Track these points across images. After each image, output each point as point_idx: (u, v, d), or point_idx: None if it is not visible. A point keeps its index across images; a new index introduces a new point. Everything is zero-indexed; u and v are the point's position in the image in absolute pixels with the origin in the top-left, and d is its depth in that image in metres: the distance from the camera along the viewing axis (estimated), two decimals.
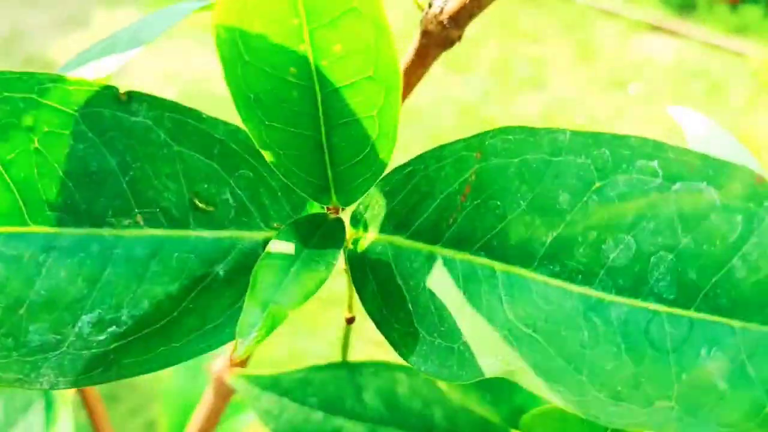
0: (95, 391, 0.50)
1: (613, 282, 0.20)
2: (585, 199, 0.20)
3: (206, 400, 0.43)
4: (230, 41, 0.20)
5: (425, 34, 0.29)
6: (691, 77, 2.15)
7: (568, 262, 0.21)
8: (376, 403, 0.34)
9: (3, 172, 0.21)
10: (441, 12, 0.28)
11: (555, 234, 0.21)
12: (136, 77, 2.11)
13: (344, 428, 0.34)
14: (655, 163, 0.19)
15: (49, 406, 0.44)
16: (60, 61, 2.18)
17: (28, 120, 0.21)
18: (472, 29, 0.29)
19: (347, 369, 0.33)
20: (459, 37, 0.28)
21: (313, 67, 0.21)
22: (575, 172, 0.21)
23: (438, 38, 0.28)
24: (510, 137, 0.22)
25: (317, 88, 0.21)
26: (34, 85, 0.21)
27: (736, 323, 0.18)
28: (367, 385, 0.33)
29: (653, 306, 0.19)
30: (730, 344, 0.18)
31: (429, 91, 1.97)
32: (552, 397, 0.20)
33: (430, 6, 0.28)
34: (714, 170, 0.19)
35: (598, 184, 0.20)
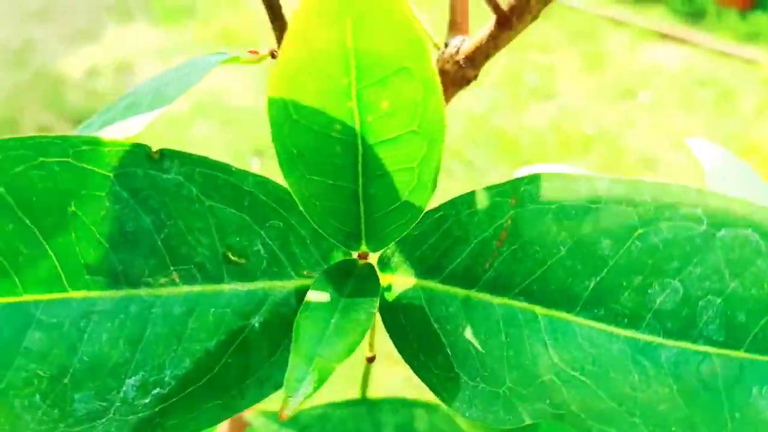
0: None
1: (661, 325, 0.21)
2: (628, 245, 0.21)
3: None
4: (280, 103, 0.20)
5: (442, 73, 0.29)
6: (700, 85, 2.14)
7: (613, 306, 0.21)
8: None
9: (41, 239, 0.21)
10: (457, 52, 0.28)
11: (598, 279, 0.22)
12: None
13: None
14: (699, 210, 0.20)
15: None
16: (71, 75, 2.14)
17: (64, 184, 0.21)
18: None
19: (366, 406, 0.33)
20: (475, 77, 0.29)
21: (357, 123, 0.21)
22: (616, 219, 0.21)
23: (454, 77, 0.29)
24: (546, 183, 0.23)
25: (359, 142, 0.21)
26: (69, 148, 0.21)
27: None
28: (386, 422, 0.33)
29: (703, 348, 0.20)
30: None
31: None
32: None
33: (446, 46, 0.29)
34: (758, 217, 0.19)
35: (640, 231, 0.21)
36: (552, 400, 0.22)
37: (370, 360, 0.31)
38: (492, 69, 2.16)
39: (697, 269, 0.20)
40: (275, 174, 0.24)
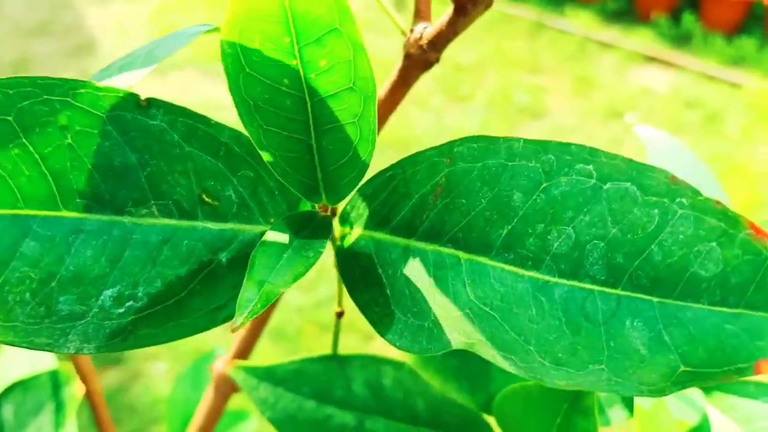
0: (100, 393, 0.53)
1: (556, 266, 0.23)
2: (534, 197, 0.24)
3: (207, 398, 0.46)
4: (233, 55, 0.24)
5: (407, 57, 0.32)
6: (686, 108, 2.19)
7: (520, 250, 0.24)
8: (364, 393, 0.37)
9: (41, 163, 0.25)
10: (421, 37, 0.32)
11: (509, 227, 0.25)
12: None
13: (334, 416, 0.37)
14: (590, 167, 0.23)
15: (59, 408, 0.47)
16: None
17: (63, 119, 0.25)
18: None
19: (337, 361, 0.36)
20: (437, 60, 0.32)
21: (303, 79, 0.24)
22: (527, 174, 0.24)
23: (418, 60, 0.32)
24: (474, 145, 0.26)
25: (307, 97, 0.25)
26: (68, 89, 0.25)
27: (655, 299, 0.22)
28: (355, 377, 0.36)
29: (588, 286, 0.23)
30: (649, 316, 0.22)
31: (428, 120, 2.02)
32: (505, 364, 0.23)
33: (411, 32, 0.32)
34: (637, 172, 0.22)
35: (544, 185, 0.24)
36: (465, 330, 0.25)
37: (339, 315, 0.35)
38: (483, 88, 2.19)
39: (587, 217, 0.23)
40: None
